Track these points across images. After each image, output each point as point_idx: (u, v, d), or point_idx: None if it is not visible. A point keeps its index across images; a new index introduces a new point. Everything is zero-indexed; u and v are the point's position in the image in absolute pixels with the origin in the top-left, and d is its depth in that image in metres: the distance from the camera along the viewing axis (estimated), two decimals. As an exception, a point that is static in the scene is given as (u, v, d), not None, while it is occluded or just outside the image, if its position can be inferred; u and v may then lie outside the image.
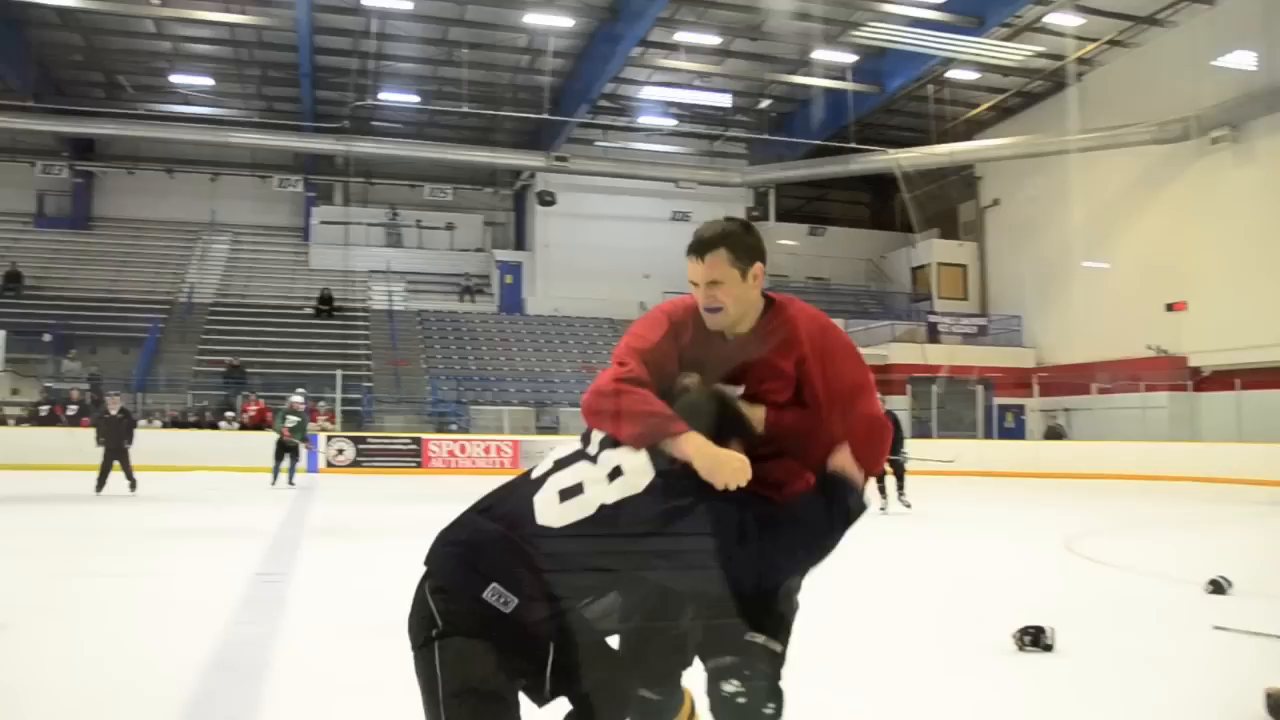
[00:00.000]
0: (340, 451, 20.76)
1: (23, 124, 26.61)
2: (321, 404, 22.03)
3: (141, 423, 21.48)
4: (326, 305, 26.94)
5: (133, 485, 13.69)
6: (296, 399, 16.32)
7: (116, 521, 11.01)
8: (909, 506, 12.41)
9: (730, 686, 2.33)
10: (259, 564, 7.90)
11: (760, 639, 2.36)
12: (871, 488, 8.79)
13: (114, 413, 14.09)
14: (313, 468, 15.83)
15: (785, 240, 31.50)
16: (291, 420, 16.12)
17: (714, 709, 2.36)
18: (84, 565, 7.69)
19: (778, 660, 2.41)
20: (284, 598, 6.52)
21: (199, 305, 26.90)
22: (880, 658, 4.84)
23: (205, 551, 8.68)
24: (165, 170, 29.62)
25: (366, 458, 21.08)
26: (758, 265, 2.50)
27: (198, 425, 21.87)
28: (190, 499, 14.20)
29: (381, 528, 10.66)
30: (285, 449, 16.18)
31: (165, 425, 21.75)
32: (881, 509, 12.08)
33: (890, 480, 12.33)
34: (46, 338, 24.22)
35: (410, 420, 23.54)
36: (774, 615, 2.41)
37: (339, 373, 22.78)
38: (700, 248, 2.48)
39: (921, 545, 9.98)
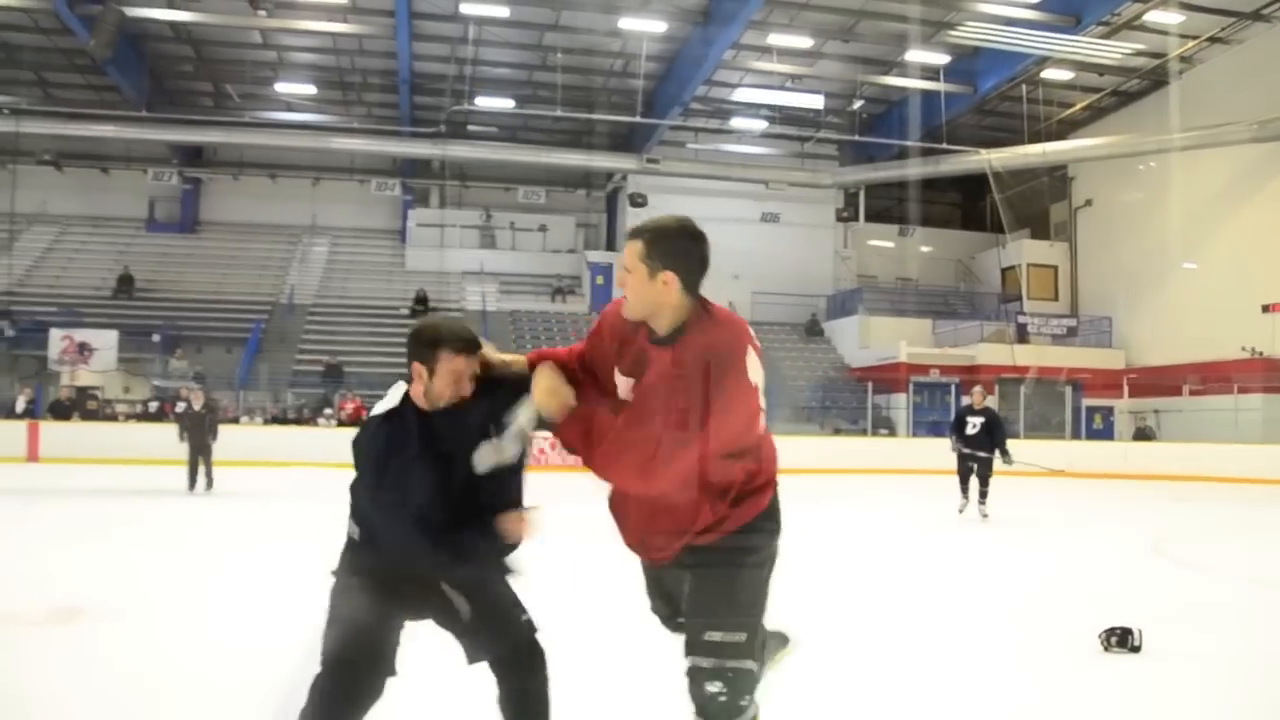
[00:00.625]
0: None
1: (136, 133, 27.94)
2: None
3: (243, 419, 22.52)
4: (422, 305, 27.66)
5: (210, 483, 13.37)
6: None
7: (213, 515, 11.57)
8: (986, 517, 11.64)
9: (700, 687, 2.49)
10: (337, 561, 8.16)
11: (718, 635, 2.49)
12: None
13: (197, 408, 13.65)
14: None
15: (875, 241, 31.58)
16: None
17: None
18: (190, 558, 8.10)
19: (741, 650, 2.50)
20: None
21: (299, 306, 27.86)
22: (964, 657, 4.89)
23: (302, 546, 8.96)
24: (269, 175, 30.76)
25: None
26: (668, 274, 2.51)
27: (297, 422, 22.67)
28: (288, 494, 14.56)
29: None
30: None
31: (266, 422, 22.60)
32: (960, 510, 11.92)
33: (973, 484, 11.85)
34: (155, 338, 25.25)
35: (503, 419, 23.95)
36: (723, 601, 2.53)
37: (435, 372, 23.33)
38: (629, 233, 2.59)
39: (1006, 546, 9.93)
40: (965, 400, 15.76)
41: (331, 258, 30.53)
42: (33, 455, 19.70)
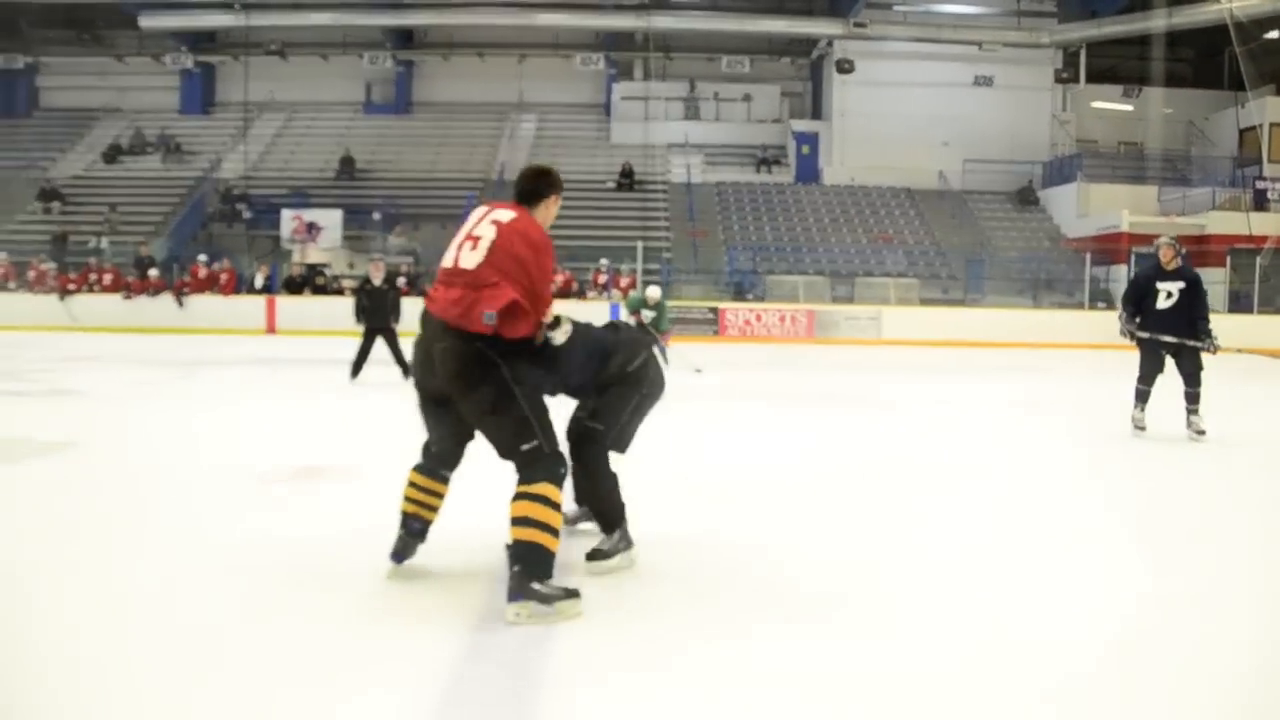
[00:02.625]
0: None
1: (351, 19, 29.62)
2: (624, 270, 23.49)
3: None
4: (627, 179, 28.42)
5: (405, 372, 10.75)
6: (653, 290, 13.61)
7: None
8: (1201, 435, 7.80)
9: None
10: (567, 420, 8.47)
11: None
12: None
13: (377, 283, 11.67)
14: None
15: (1098, 103, 30.24)
16: (647, 314, 13.11)
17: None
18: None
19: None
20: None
21: (509, 182, 28.73)
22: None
23: None
24: (477, 54, 32.00)
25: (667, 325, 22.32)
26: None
27: (510, 295, 23.78)
28: None
29: (681, 392, 11.12)
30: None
31: (483, 293, 23.78)
32: (1138, 427, 8.20)
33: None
34: (376, 216, 26.94)
35: (708, 289, 24.63)
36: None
37: (639, 244, 24.08)
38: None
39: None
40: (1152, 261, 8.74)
41: (539, 133, 31.64)
42: (270, 327, 21.70)
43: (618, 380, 4.05)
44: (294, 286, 22.92)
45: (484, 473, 4.05)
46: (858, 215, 28.05)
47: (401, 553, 3.85)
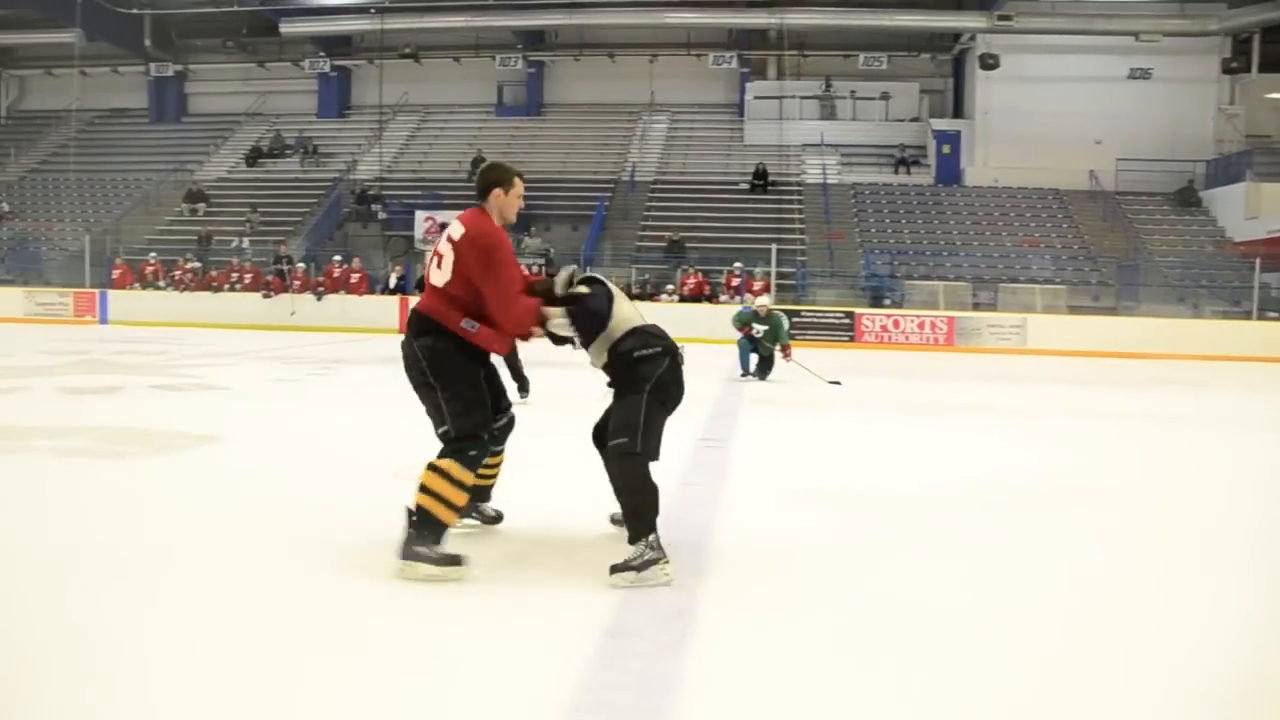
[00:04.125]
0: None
1: (484, 21, 30.09)
2: (757, 273, 23.19)
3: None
4: (761, 180, 28.11)
5: (522, 387, 10.00)
6: (764, 300, 13.14)
7: (568, 384, 12.31)
8: None
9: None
10: (701, 429, 8.32)
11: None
12: None
13: None
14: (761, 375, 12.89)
15: (1275, 94, 28.41)
16: (759, 328, 12.61)
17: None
18: (555, 425, 8.39)
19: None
20: (725, 461, 7.03)
21: (640, 183, 29.05)
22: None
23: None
24: (608, 55, 32.11)
25: (799, 330, 21.98)
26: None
27: (640, 297, 23.76)
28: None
29: (813, 400, 10.91)
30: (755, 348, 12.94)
31: (612, 297, 23.81)
32: None
33: None
34: (509, 217, 27.06)
35: (843, 294, 24.21)
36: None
37: (774, 246, 23.87)
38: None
39: None
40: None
41: (670, 134, 31.60)
42: (403, 327, 21.97)
43: (624, 368, 4.23)
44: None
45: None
46: (1002, 218, 27.13)
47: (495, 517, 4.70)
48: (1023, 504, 5.81)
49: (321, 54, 33.23)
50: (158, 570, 4.02)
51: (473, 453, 4.07)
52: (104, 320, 24.22)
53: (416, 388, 4.19)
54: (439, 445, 4.12)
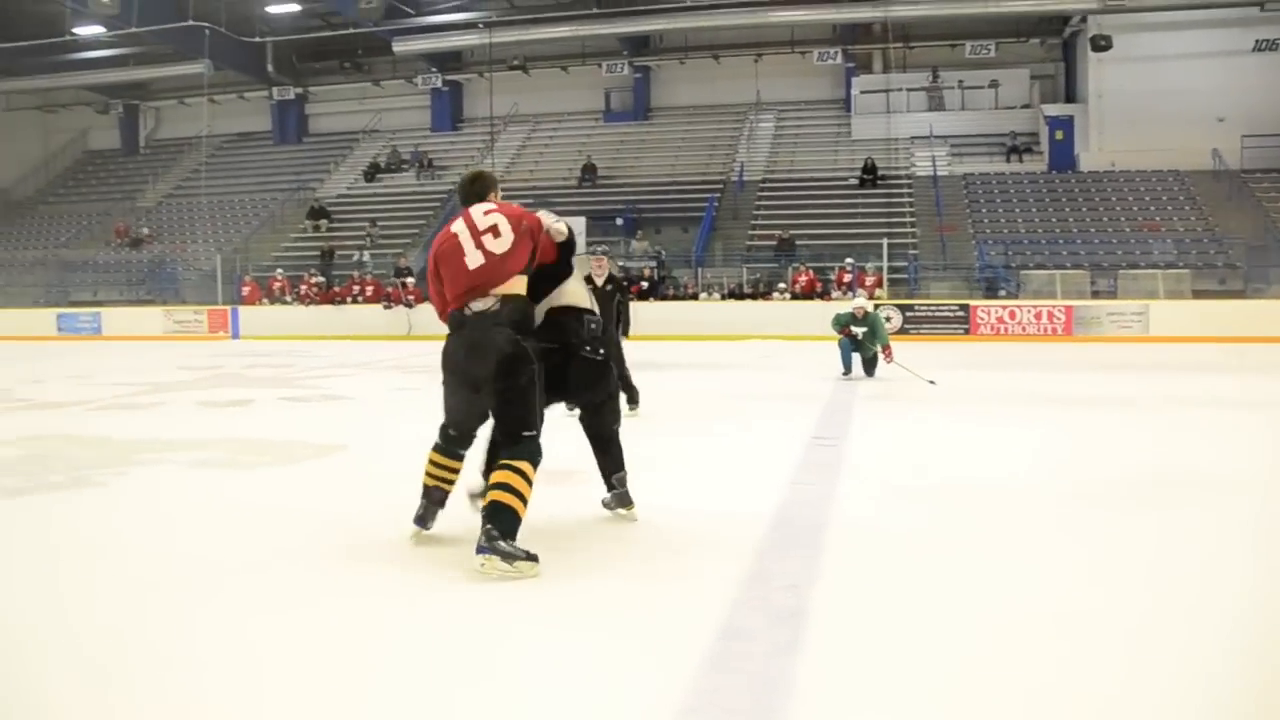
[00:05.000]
0: (888, 319, 21.85)
1: (589, 30, 30.79)
2: (868, 269, 23.31)
3: (701, 295, 24.35)
4: (870, 174, 28.18)
5: (631, 399, 9.15)
6: (861, 302, 13.12)
7: (680, 385, 12.40)
8: None
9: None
10: (814, 427, 8.47)
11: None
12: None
13: (599, 282, 9.45)
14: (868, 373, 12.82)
15: None
16: (858, 329, 12.62)
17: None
18: (670, 427, 8.70)
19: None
20: (839, 460, 7.00)
21: (749, 183, 29.39)
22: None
23: (766, 414, 9.44)
24: (712, 56, 32.57)
25: (913, 324, 22.09)
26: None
27: (752, 296, 24.09)
28: (748, 366, 15.33)
29: (928, 396, 10.86)
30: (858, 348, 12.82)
31: (723, 297, 24.31)
32: None
33: None
34: (618, 221, 27.89)
35: (957, 286, 24.13)
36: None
37: (885, 241, 23.92)
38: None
39: None
40: None
41: (778, 132, 31.89)
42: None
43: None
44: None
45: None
46: (1119, 203, 26.66)
47: (424, 519, 4.62)
48: (1154, 499, 5.63)
49: (433, 70, 34.42)
50: (285, 575, 4.24)
51: (540, 456, 4.27)
52: (235, 335, 25.64)
53: (506, 376, 4.20)
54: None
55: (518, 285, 4.30)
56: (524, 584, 3.93)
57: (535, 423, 4.24)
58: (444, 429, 4.57)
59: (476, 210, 4.38)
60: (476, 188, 4.56)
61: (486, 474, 4.48)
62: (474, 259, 4.23)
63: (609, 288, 9.47)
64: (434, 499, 4.61)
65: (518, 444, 4.18)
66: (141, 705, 2.94)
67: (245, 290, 27.05)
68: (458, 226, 4.35)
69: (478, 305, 4.23)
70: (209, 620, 3.66)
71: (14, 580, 4.31)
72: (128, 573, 4.34)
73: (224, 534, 5.02)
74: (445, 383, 4.45)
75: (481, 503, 4.26)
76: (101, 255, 32.23)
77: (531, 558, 4.01)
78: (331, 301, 25.64)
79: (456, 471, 4.63)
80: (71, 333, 27.01)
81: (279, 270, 27.31)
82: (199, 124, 35.57)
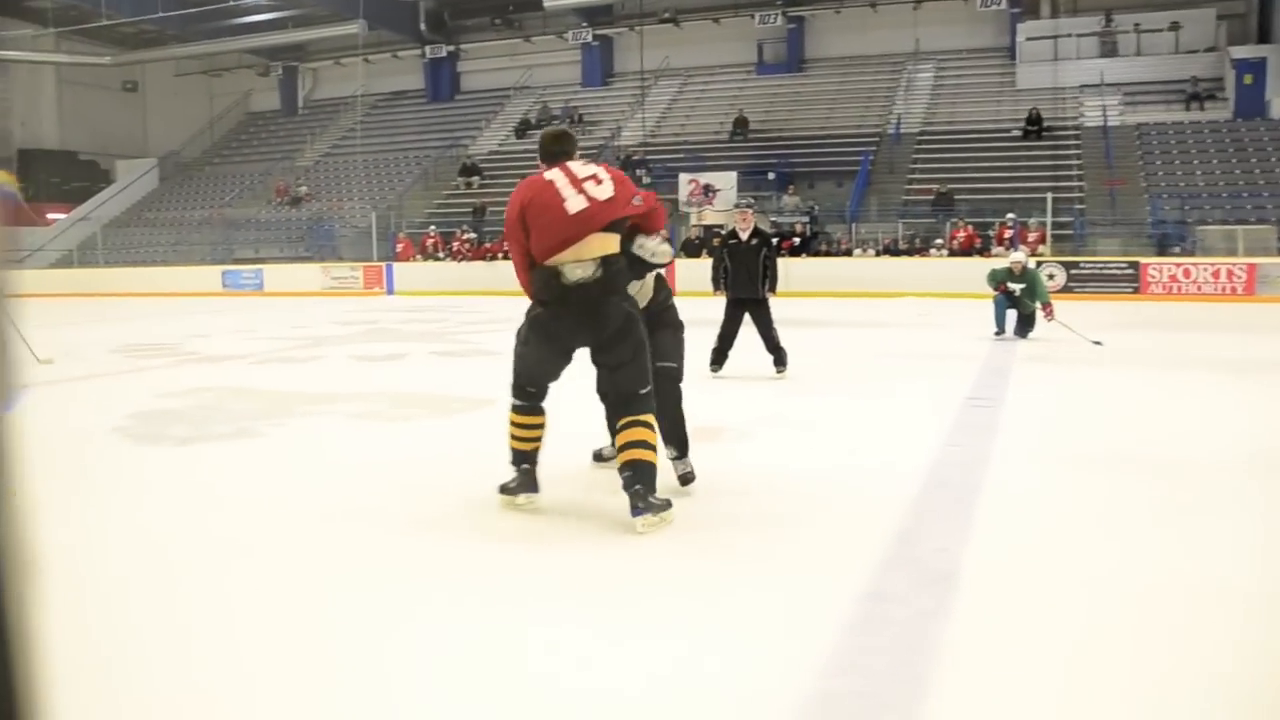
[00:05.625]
0: (1051, 277, 20.99)
1: (743, -23, 30.14)
2: (1030, 224, 22.48)
3: (856, 251, 23.86)
4: (1035, 126, 27.10)
5: (779, 360, 9.06)
6: (1018, 256, 12.56)
7: (832, 343, 12.26)
8: None
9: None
10: (970, 388, 8.33)
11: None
12: None
13: (744, 237, 9.06)
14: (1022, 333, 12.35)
15: None
16: (1014, 285, 12.20)
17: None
18: (820, 387, 8.63)
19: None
20: (994, 422, 6.85)
21: (906, 135, 28.58)
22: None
23: (920, 374, 9.28)
24: (869, 5, 31.84)
25: (1077, 283, 21.26)
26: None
27: (908, 253, 23.49)
28: (901, 324, 15.02)
29: (1091, 358, 10.38)
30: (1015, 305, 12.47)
31: (877, 253, 23.77)
32: None
33: None
34: (770, 176, 27.52)
35: (1127, 243, 23.08)
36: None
37: (1049, 195, 23.01)
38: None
39: None
40: None
41: (937, 83, 30.92)
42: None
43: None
44: (691, 249, 23.97)
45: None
46: (1314, 151, 24.91)
47: (526, 485, 4.52)
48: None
49: (584, 24, 34.52)
50: (440, 521, 4.36)
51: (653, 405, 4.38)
52: (390, 291, 26.34)
53: (622, 341, 4.28)
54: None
55: (612, 243, 4.20)
56: (669, 540, 3.99)
57: (649, 379, 4.33)
58: (522, 388, 4.52)
59: (573, 163, 4.32)
60: (565, 144, 4.44)
61: (613, 434, 4.56)
62: (575, 203, 4.12)
63: (754, 242, 9.09)
64: (532, 460, 4.55)
65: (639, 400, 4.29)
66: (299, 654, 2.99)
67: (399, 247, 27.73)
68: (552, 174, 4.25)
69: (577, 273, 4.12)
70: (368, 568, 3.73)
71: (178, 526, 4.48)
72: (287, 522, 4.47)
73: (381, 485, 5.11)
74: (534, 346, 4.40)
75: (616, 462, 4.36)
76: (263, 214, 33.50)
77: (668, 504, 4.19)
78: (483, 258, 26.03)
79: (544, 426, 4.59)
80: (235, 289, 28.26)
81: (432, 227, 27.89)
82: (354, 84, 36.64)
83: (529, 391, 4.52)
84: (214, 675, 2.85)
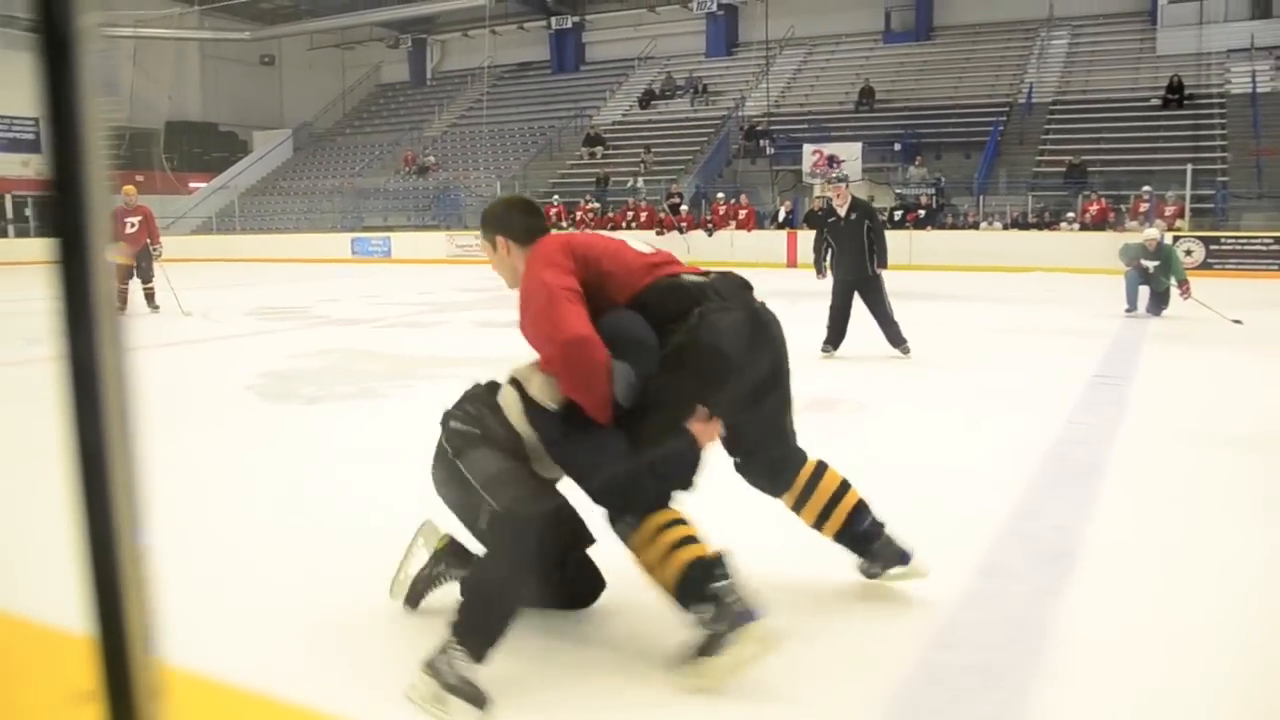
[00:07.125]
0: (1189, 253, 20.53)
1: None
2: (1169, 197, 21.96)
3: (982, 224, 23.61)
4: (1176, 94, 26.38)
5: (895, 338, 8.76)
6: (1152, 232, 12.25)
7: (957, 317, 12.31)
8: None
9: None
10: (1098, 366, 8.23)
11: None
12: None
13: (842, 213, 8.81)
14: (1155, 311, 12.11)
15: None
16: (1147, 263, 12.03)
17: None
18: (943, 359, 8.72)
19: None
20: (1121, 401, 6.74)
21: (1038, 105, 28.13)
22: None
23: (1046, 350, 9.26)
24: (1002, -31, 30.99)
25: (1217, 259, 20.72)
26: (498, 238, 3.16)
27: (1037, 226, 23.20)
28: (1030, 300, 14.84)
29: (1227, 337, 10.20)
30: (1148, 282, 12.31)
31: (1005, 227, 23.52)
32: None
33: None
34: (896, 147, 27.40)
35: (1274, 217, 22.37)
36: None
37: (1189, 167, 22.52)
38: None
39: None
40: None
41: (1072, 50, 30.26)
42: (791, 261, 22.94)
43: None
44: (814, 221, 23.93)
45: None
46: None
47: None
48: None
49: (710, -7, 34.65)
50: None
51: None
52: (516, 260, 26.96)
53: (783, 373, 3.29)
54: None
55: None
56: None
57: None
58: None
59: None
60: (538, 221, 3.28)
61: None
62: (643, 247, 3.26)
63: (854, 217, 8.64)
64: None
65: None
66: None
67: (524, 216, 28.36)
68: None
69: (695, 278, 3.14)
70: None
71: (306, 480, 4.87)
72: (405, 482, 4.37)
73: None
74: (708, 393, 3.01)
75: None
76: (391, 183, 34.71)
77: None
78: (606, 227, 26.55)
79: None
80: (364, 255, 29.50)
81: (555, 197, 28.52)
82: (481, 55, 37.61)
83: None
84: (346, 613, 3.15)
